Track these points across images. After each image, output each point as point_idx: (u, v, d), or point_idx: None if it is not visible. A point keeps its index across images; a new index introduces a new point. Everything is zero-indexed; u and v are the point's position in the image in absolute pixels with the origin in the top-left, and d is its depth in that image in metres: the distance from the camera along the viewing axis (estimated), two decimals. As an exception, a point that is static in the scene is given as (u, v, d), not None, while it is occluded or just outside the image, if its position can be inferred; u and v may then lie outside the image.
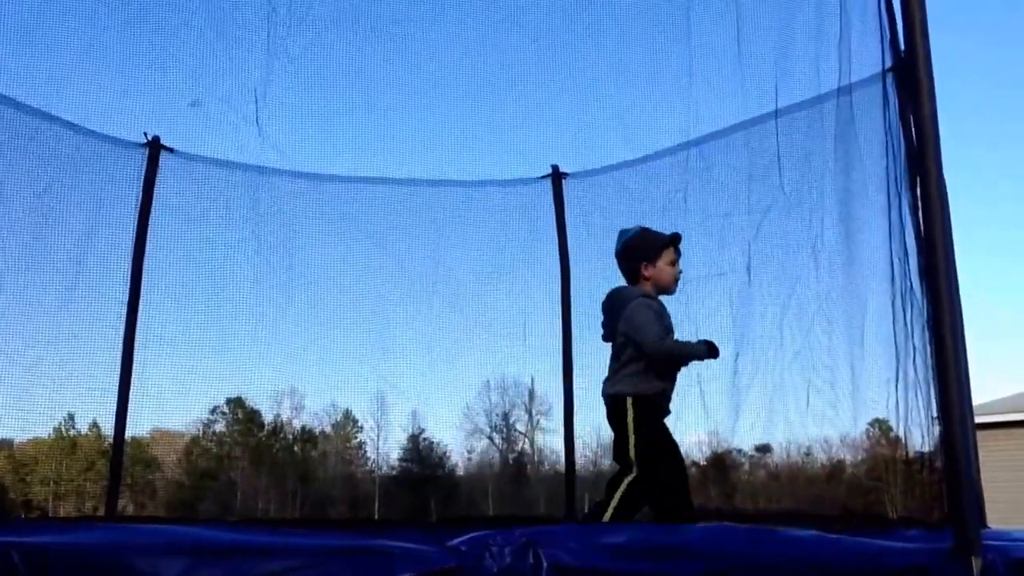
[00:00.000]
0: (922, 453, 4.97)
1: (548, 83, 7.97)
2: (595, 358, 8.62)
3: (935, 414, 4.17)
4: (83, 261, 7.80)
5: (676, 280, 5.82)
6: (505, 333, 9.05)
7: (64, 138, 7.60)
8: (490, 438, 45.54)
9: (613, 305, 5.75)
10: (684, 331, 7.41)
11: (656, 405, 5.52)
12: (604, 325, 5.87)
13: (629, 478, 5.27)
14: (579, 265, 8.84)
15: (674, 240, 5.77)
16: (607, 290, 5.90)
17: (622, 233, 5.95)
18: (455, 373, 9.15)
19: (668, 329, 5.66)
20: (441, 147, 8.67)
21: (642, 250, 5.77)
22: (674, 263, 5.78)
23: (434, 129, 8.53)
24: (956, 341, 3.63)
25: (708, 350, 5.56)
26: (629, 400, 5.42)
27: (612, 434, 5.64)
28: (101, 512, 9.35)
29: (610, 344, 5.81)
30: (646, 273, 5.72)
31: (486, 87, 8.13)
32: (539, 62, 7.80)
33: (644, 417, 5.41)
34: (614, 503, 5.22)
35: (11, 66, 7.08)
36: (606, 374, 5.78)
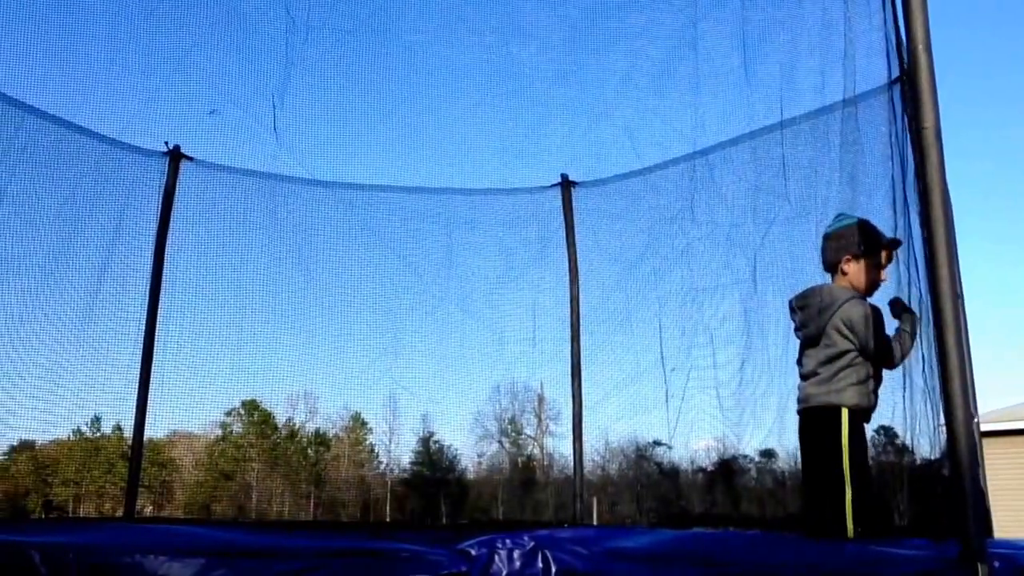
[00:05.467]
0: (929, 461, 4.96)
1: (559, 94, 8.02)
2: (604, 364, 8.70)
3: (942, 422, 4.11)
4: (105, 267, 7.97)
5: (874, 287, 5.25)
6: (515, 338, 9.15)
7: (88, 147, 7.76)
8: (500, 442, 45.52)
9: (818, 301, 5.24)
10: (698, 339, 7.48)
11: (868, 418, 5.10)
12: (801, 322, 5.36)
13: (849, 498, 4.82)
14: (588, 272, 8.90)
15: (889, 245, 5.19)
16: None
17: (839, 217, 5.46)
18: (466, 377, 9.26)
19: None
20: (454, 155, 8.77)
21: (850, 242, 5.25)
22: (879, 268, 5.21)
23: (447, 138, 8.61)
24: (960, 350, 3.64)
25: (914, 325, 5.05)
26: (845, 412, 4.96)
27: (802, 445, 5.26)
28: (120, 513, 9.43)
29: (801, 342, 5.38)
30: (845, 267, 5.24)
31: (498, 97, 8.20)
32: (550, 73, 7.86)
33: (858, 431, 5.00)
34: (851, 526, 4.74)
35: (36, 76, 7.20)
36: (799, 378, 5.31)
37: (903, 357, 5.04)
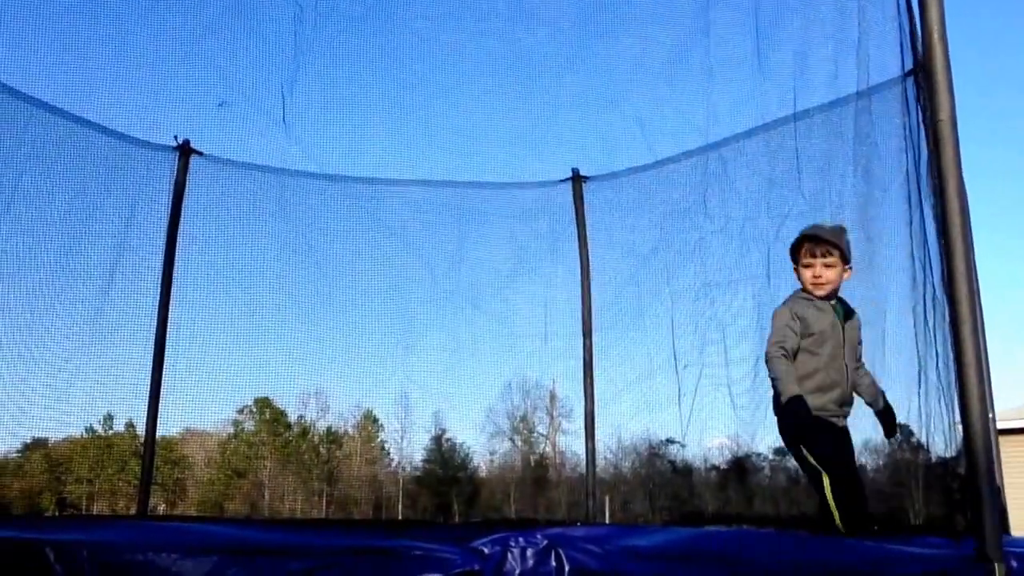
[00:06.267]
0: (944, 459, 4.93)
1: (570, 83, 7.93)
2: (616, 361, 8.67)
3: (957, 419, 4.08)
4: (117, 263, 7.96)
5: (813, 283, 5.13)
6: (527, 335, 9.09)
7: (97, 142, 7.74)
8: (512, 440, 45.59)
9: None
10: (711, 335, 7.43)
11: (835, 411, 5.01)
12: None
13: (827, 482, 4.79)
14: (600, 266, 8.84)
15: (803, 239, 5.18)
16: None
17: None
18: (477, 374, 9.22)
19: (807, 335, 5.04)
20: (464, 145, 8.67)
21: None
22: (808, 265, 5.14)
23: (457, 127, 8.54)
24: (977, 346, 3.59)
25: (793, 410, 4.89)
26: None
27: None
28: (133, 510, 9.45)
29: None
30: (797, 277, 5.23)
31: (509, 86, 8.12)
32: (561, 61, 7.77)
33: (812, 427, 4.88)
34: (835, 512, 4.76)
35: (44, 71, 7.20)
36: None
37: (769, 369, 5.01)
